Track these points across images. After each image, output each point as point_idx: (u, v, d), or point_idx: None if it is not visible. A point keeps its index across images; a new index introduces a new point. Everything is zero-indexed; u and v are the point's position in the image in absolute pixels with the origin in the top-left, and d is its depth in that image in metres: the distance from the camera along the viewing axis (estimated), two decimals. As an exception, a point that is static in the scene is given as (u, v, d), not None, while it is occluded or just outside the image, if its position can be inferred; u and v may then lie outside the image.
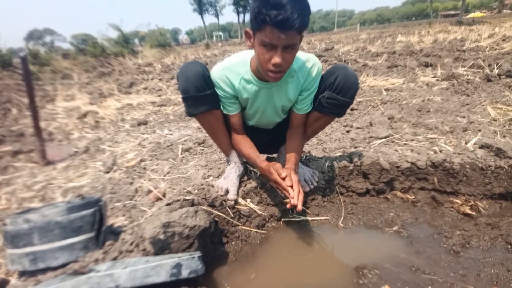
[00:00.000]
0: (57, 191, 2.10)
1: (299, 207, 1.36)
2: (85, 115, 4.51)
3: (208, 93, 1.56)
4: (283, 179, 1.43)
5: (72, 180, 2.29)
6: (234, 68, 1.57)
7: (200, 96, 1.55)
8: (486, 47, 6.80)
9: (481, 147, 2.01)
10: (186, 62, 1.60)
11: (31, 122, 2.87)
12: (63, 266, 1.21)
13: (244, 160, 1.88)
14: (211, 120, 1.70)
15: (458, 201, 1.88)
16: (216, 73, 1.58)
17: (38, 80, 7.58)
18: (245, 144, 1.73)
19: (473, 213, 1.80)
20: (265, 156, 2.18)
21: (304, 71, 1.57)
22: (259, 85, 1.56)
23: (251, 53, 1.54)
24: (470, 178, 1.87)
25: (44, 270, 1.21)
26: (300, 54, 1.57)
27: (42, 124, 3.52)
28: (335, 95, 1.59)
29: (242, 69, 1.56)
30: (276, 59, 1.32)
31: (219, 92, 1.61)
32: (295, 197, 1.38)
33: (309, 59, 1.58)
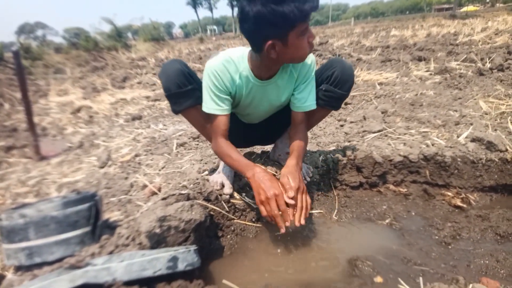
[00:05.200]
0: (51, 186, 2.10)
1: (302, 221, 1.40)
2: (78, 110, 4.49)
3: (189, 88, 1.56)
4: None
5: (66, 175, 2.29)
6: (234, 62, 1.52)
7: (182, 92, 1.55)
8: (479, 41, 6.84)
9: (473, 140, 2.04)
10: (166, 62, 1.60)
11: (24, 117, 2.86)
12: (59, 260, 1.22)
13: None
14: (197, 116, 1.67)
15: (449, 193, 1.91)
16: (216, 65, 1.50)
17: (31, 74, 7.50)
18: (232, 151, 1.60)
19: (464, 205, 1.83)
20: (260, 149, 2.19)
21: (298, 64, 1.57)
22: (256, 83, 1.55)
23: (247, 48, 1.53)
24: (461, 171, 1.91)
25: (40, 265, 1.22)
26: None
27: (36, 119, 3.50)
28: (333, 88, 1.62)
29: (241, 64, 1.53)
30: (313, 36, 1.43)
31: (215, 85, 1.51)
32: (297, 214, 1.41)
33: None
